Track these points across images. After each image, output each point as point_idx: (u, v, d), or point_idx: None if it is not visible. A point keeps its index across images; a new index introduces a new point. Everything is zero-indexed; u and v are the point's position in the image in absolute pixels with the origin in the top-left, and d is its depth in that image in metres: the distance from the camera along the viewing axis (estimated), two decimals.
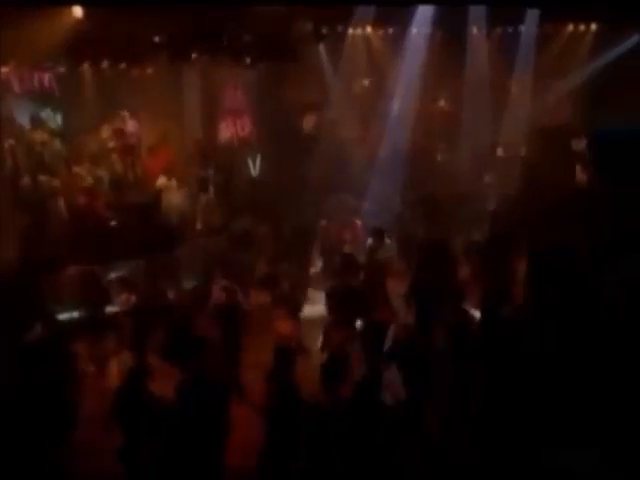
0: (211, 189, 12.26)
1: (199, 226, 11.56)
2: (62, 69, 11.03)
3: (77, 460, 5.76)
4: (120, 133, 11.56)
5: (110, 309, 8.21)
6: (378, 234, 9.40)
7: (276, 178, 13.83)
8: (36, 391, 6.05)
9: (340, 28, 13.67)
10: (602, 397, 5.77)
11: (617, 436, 5.43)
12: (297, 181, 13.21)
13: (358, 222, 11.03)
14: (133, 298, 7.85)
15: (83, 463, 5.76)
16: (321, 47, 13.65)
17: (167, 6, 9.54)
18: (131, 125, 11.85)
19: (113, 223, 10.45)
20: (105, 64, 10.64)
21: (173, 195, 11.56)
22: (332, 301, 7.82)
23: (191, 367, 5.95)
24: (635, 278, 8.36)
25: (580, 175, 13.68)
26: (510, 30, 13.96)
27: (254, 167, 14.44)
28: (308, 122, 15.42)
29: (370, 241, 9.48)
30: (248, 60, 12.84)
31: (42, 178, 10.18)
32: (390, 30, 14.01)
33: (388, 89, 14.39)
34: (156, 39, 10.11)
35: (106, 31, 9.19)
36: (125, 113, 11.76)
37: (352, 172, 13.38)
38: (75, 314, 8.46)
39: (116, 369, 6.63)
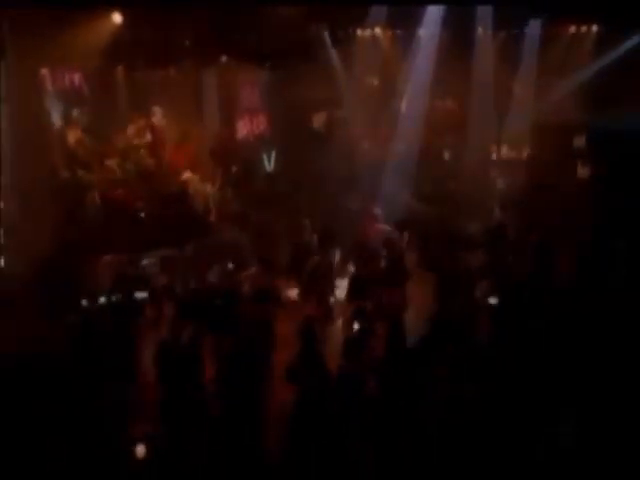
0: (232, 183, 12.99)
1: (220, 218, 12.24)
2: (93, 70, 11.60)
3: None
4: (152, 128, 12.22)
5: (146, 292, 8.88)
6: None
7: (290, 173, 14.44)
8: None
9: (353, 29, 14.28)
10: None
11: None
12: (310, 176, 13.80)
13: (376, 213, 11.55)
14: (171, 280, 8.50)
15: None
16: (333, 47, 14.24)
17: (187, 8, 10.21)
18: (161, 120, 12.52)
19: (142, 214, 11.14)
20: (135, 66, 11.24)
21: (197, 188, 12.22)
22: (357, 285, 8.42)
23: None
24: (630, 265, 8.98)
25: (581, 171, 14.27)
26: (515, 31, 14.49)
27: (269, 163, 15.09)
28: (318, 120, 16.08)
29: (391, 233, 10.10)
30: (267, 61, 13.56)
31: (78, 172, 10.82)
32: (399, 31, 14.56)
33: (398, 88, 15.00)
34: (186, 43, 10.72)
35: (141, 36, 9.83)
36: (158, 108, 12.38)
37: (363, 168, 13.97)
38: (112, 297, 9.04)
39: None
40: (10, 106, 9.19)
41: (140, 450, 5.83)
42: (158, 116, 12.41)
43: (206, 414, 6.30)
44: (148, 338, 7.56)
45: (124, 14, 9.90)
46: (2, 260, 9.15)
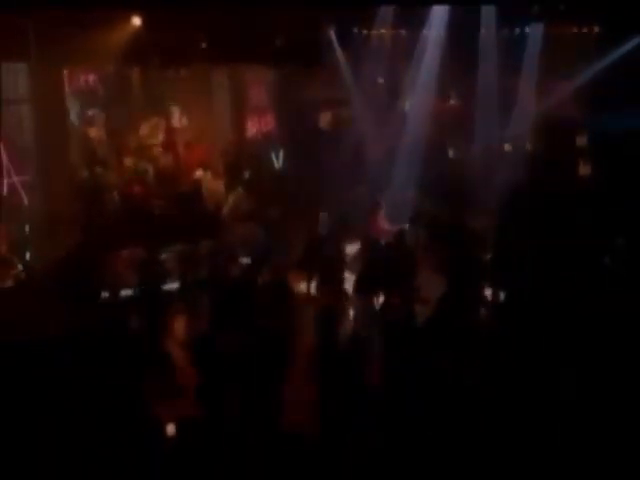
0: (242, 181, 13.35)
1: (232, 215, 12.58)
2: (110, 70, 11.95)
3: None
4: (168, 127, 12.61)
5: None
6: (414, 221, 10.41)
7: (298, 171, 14.76)
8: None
9: (359, 30, 14.58)
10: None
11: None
12: (318, 174, 14.10)
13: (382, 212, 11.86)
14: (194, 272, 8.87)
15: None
16: (340, 47, 14.56)
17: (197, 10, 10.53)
18: (177, 120, 12.90)
19: (159, 211, 11.49)
20: (150, 67, 11.61)
21: (209, 186, 12.60)
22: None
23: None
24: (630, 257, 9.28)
25: (583, 168, 14.59)
26: (518, 30, 14.80)
27: (277, 161, 15.44)
28: (324, 119, 16.44)
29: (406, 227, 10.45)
30: (275, 62, 13.91)
31: (97, 171, 11.18)
32: (405, 31, 14.87)
33: (403, 87, 15.33)
34: (198, 44, 11.10)
35: (157, 38, 10.20)
36: (175, 108, 12.75)
37: (370, 166, 14.29)
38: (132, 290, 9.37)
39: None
40: (34, 106, 9.53)
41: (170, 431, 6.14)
42: (175, 116, 12.77)
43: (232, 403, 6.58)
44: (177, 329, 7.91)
45: (142, 16, 10.27)
46: (28, 254, 9.51)
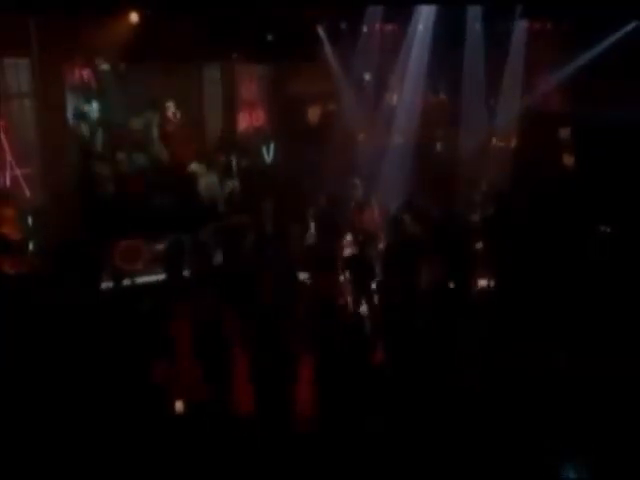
0: (235, 174, 13.62)
1: (227, 206, 12.85)
2: (103, 66, 12.18)
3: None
4: (164, 123, 12.84)
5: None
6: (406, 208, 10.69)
7: (289, 165, 15.03)
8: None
9: (348, 25, 14.83)
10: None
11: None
12: (309, 167, 14.35)
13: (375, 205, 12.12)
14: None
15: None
16: (328, 42, 14.81)
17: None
18: (172, 114, 13.14)
19: (155, 203, 11.73)
20: (147, 62, 11.86)
21: (204, 179, 12.85)
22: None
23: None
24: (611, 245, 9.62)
25: (567, 160, 14.93)
26: (504, 24, 15.04)
27: (268, 154, 15.69)
28: (314, 113, 16.72)
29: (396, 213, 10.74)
30: (268, 58, 14.21)
31: (93, 164, 11.41)
32: (392, 26, 15.14)
33: (391, 81, 15.61)
34: (193, 40, 11.36)
35: (158, 34, 10.45)
36: (170, 103, 13.00)
37: (360, 159, 14.55)
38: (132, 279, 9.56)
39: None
40: (35, 101, 9.76)
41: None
42: (169, 110, 13.01)
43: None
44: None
45: (139, 13, 10.51)
46: (31, 245, 9.70)
